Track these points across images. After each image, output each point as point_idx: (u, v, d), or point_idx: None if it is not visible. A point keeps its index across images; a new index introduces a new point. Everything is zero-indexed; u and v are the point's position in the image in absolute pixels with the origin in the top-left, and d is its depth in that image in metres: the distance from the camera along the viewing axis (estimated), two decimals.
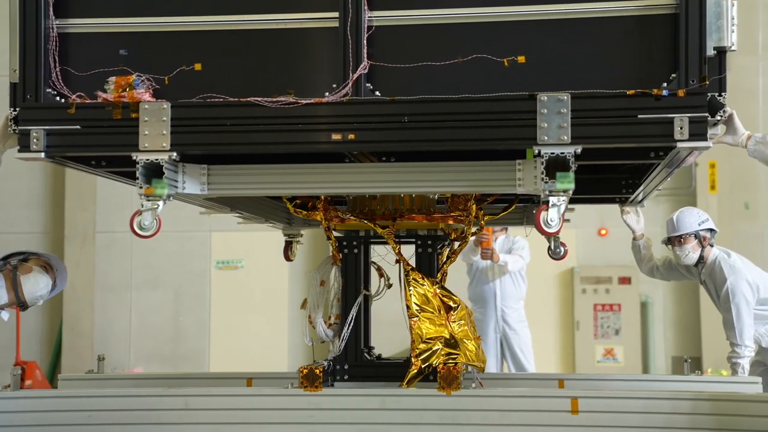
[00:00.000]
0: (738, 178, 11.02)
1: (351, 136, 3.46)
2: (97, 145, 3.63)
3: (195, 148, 3.59)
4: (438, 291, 4.27)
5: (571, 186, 3.35)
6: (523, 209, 5.41)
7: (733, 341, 6.00)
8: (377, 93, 3.47)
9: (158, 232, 3.59)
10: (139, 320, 11.91)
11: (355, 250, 4.50)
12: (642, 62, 3.36)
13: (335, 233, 4.53)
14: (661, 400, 3.81)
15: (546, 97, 3.33)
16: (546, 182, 3.36)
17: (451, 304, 4.26)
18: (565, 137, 3.31)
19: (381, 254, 4.60)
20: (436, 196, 4.56)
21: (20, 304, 4.30)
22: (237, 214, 5.24)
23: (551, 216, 3.39)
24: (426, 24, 3.48)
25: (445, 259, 4.57)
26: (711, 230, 6.18)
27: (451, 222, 4.47)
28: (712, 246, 6.20)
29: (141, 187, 3.51)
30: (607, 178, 4.94)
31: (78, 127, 3.56)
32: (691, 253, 6.15)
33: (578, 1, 3.39)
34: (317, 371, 3.98)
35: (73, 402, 4.04)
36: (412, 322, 4.17)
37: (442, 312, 4.22)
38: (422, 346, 4.13)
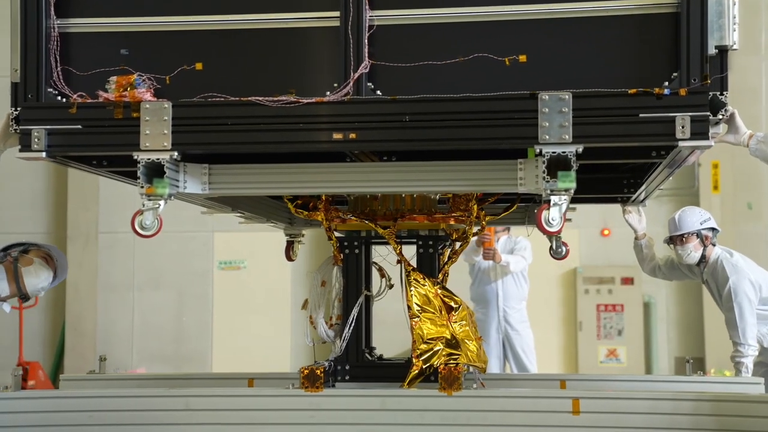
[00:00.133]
0: (741, 179, 11.00)
1: (352, 136, 3.46)
2: (99, 145, 3.63)
3: (196, 148, 3.59)
4: (439, 291, 4.26)
5: (573, 185, 3.34)
6: (525, 209, 5.40)
7: (736, 340, 5.99)
8: (378, 92, 3.47)
9: (159, 231, 3.58)
10: (142, 321, 11.91)
11: (357, 251, 4.50)
12: (643, 61, 3.36)
13: (336, 233, 4.52)
14: (663, 400, 3.80)
15: (547, 96, 3.32)
16: (547, 181, 3.36)
17: (452, 304, 4.25)
18: (567, 136, 3.31)
19: (382, 255, 4.59)
20: (438, 197, 4.55)
21: (22, 296, 4.31)
22: (238, 214, 5.24)
23: (552, 215, 3.39)
24: (427, 23, 3.47)
25: (446, 260, 4.57)
26: (713, 229, 6.17)
27: (452, 222, 4.47)
28: (714, 245, 6.19)
29: (142, 187, 3.51)
30: (608, 178, 4.93)
31: (79, 126, 3.57)
32: (693, 252, 6.15)
33: (579, 0, 3.39)
34: (318, 372, 3.98)
35: (73, 402, 4.04)
36: (413, 323, 4.16)
37: (443, 312, 4.22)
38: (423, 346, 4.13)
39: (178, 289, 11.90)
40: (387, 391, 4.04)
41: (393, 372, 4.36)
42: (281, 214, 5.34)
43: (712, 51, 3.30)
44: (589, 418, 3.73)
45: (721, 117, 3.36)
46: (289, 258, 5.61)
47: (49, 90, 3.60)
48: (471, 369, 4.22)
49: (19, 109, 3.59)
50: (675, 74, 3.31)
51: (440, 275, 4.45)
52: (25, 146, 3.58)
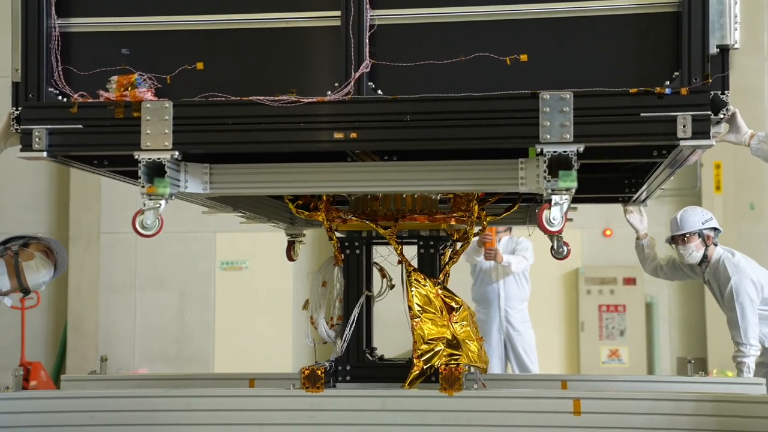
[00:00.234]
0: (743, 179, 10.99)
1: (353, 135, 3.45)
2: (99, 144, 3.63)
3: (197, 147, 3.59)
4: (440, 292, 4.26)
5: (574, 184, 3.34)
6: (526, 209, 5.40)
7: (738, 340, 5.98)
8: (379, 92, 3.46)
9: (160, 231, 3.58)
10: (144, 321, 11.92)
11: (357, 251, 4.50)
12: (645, 60, 3.35)
13: (337, 234, 4.52)
14: (664, 401, 3.79)
15: (548, 96, 3.31)
16: (548, 181, 3.35)
17: (453, 304, 4.25)
18: (568, 136, 3.30)
19: (383, 255, 4.59)
20: (439, 197, 4.55)
21: (22, 290, 4.31)
22: (239, 214, 5.24)
23: (554, 215, 3.38)
24: (428, 23, 3.47)
25: (447, 260, 4.56)
26: (715, 229, 6.16)
27: (453, 222, 4.46)
28: (716, 245, 6.18)
29: (143, 186, 3.51)
30: (610, 178, 4.93)
31: (80, 126, 3.56)
32: (694, 252, 6.14)
33: None
34: (319, 372, 3.98)
35: (74, 403, 4.04)
36: (414, 323, 4.16)
37: (444, 313, 4.21)
38: (424, 347, 4.12)
39: (180, 289, 11.90)
40: (388, 391, 4.03)
41: (394, 372, 4.35)
42: (282, 214, 5.34)
43: (713, 50, 3.30)
44: (589, 418, 3.72)
45: (722, 116, 3.36)
46: (291, 258, 5.61)
47: (50, 90, 3.60)
48: (472, 369, 4.21)
49: (20, 108, 3.59)
50: (676, 73, 3.30)
51: (441, 275, 4.44)
52: (26, 146, 3.57)
